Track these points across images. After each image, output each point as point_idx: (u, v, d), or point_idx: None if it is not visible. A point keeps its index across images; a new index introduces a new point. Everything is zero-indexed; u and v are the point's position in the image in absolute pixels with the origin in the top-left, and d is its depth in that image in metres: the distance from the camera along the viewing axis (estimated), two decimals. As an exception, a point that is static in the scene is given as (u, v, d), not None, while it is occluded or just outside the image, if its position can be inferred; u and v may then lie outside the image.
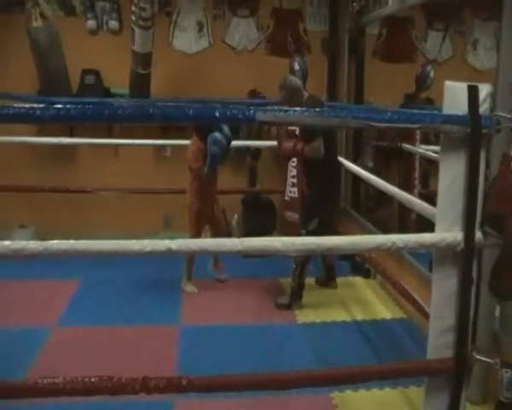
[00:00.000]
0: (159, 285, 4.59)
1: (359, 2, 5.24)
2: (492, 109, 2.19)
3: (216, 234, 4.54)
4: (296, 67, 5.40)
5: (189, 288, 4.52)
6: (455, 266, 2.19)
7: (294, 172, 5.00)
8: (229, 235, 5.12)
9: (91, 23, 5.59)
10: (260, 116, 2.04)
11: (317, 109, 2.60)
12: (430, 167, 5.13)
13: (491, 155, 2.27)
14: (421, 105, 5.13)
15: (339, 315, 4.13)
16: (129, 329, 3.81)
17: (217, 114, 2.06)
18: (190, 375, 2.15)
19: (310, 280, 4.48)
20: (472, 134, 2.09)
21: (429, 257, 2.57)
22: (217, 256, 4.66)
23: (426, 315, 2.57)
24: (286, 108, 2.48)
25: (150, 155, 5.82)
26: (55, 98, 4.72)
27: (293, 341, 3.74)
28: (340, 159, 4.75)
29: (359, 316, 4.14)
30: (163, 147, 5.69)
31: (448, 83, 2.16)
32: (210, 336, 3.73)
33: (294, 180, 4.99)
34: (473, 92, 2.10)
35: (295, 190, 4.96)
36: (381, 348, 3.62)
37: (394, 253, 3.86)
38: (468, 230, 2.13)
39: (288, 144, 4.23)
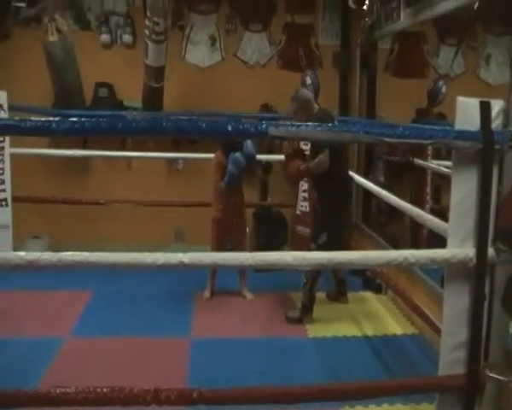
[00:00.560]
0: (170, 298, 4.60)
1: (371, 17, 5.26)
2: (505, 125, 2.19)
3: (236, 249, 4.46)
4: (308, 81, 5.42)
5: (205, 293, 4.61)
6: (467, 282, 2.19)
7: (306, 186, 5.01)
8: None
9: (105, 37, 5.67)
10: (272, 131, 2.06)
11: (330, 124, 2.61)
12: (442, 183, 5.11)
13: (503, 171, 2.26)
14: (433, 120, 5.13)
15: (350, 330, 4.11)
16: (140, 340, 3.82)
17: (229, 129, 2.08)
18: (201, 388, 2.15)
19: (321, 295, 4.47)
20: (484, 150, 2.09)
21: (441, 273, 2.56)
22: (242, 272, 4.67)
23: (437, 331, 2.56)
24: (297, 123, 2.49)
25: (162, 167, 5.86)
26: (69, 111, 4.79)
27: (304, 355, 3.72)
28: (352, 173, 4.75)
29: (370, 331, 4.12)
30: (175, 160, 5.73)
31: (460, 98, 2.17)
32: (220, 349, 3.72)
33: (306, 194, 5.01)
34: (485, 108, 2.11)
35: (306, 204, 4.97)
36: (392, 363, 3.60)
37: (406, 268, 3.84)
38: (481, 246, 2.12)
39: (294, 167, 4.14)
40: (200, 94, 5.67)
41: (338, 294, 4.66)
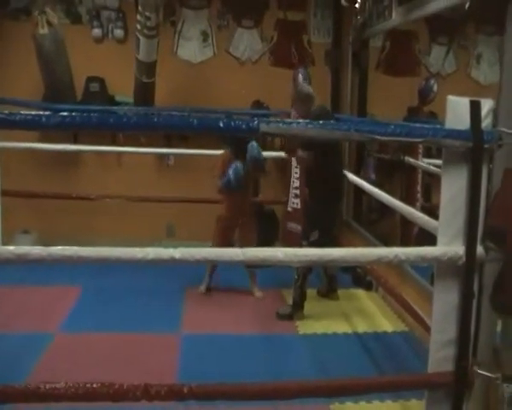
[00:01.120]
0: (161, 293, 4.59)
1: (363, 14, 5.27)
2: (495, 124, 2.21)
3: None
4: (300, 78, 5.42)
5: (200, 287, 4.65)
6: (456, 279, 2.20)
7: (297, 183, 5.01)
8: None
9: (97, 31, 5.64)
10: (264, 127, 2.06)
11: (321, 122, 2.62)
12: (432, 181, 5.14)
13: (493, 170, 2.27)
14: (424, 119, 5.15)
15: (340, 327, 4.13)
16: (130, 336, 3.81)
17: (221, 125, 2.08)
18: (191, 383, 2.15)
19: (311, 291, 4.48)
20: (474, 149, 2.10)
21: (431, 270, 2.57)
22: (253, 270, 4.67)
23: (427, 328, 2.57)
24: (289, 120, 2.50)
25: (153, 163, 5.84)
26: (59, 105, 4.75)
27: (294, 351, 3.73)
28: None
29: (360, 328, 4.14)
30: (166, 155, 5.72)
31: (451, 97, 2.18)
32: (211, 345, 3.72)
33: (297, 191, 5.00)
34: (475, 107, 2.12)
35: (298, 201, 4.97)
36: (382, 360, 3.62)
37: (396, 266, 3.86)
38: (470, 244, 2.14)
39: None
40: (191, 90, 5.66)
41: (328, 291, 4.68)
